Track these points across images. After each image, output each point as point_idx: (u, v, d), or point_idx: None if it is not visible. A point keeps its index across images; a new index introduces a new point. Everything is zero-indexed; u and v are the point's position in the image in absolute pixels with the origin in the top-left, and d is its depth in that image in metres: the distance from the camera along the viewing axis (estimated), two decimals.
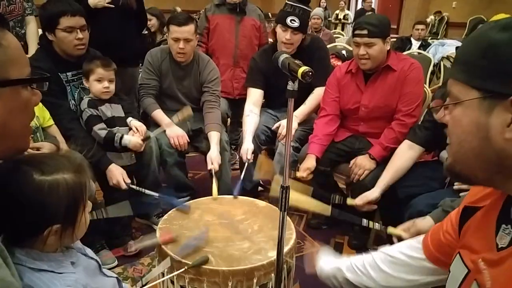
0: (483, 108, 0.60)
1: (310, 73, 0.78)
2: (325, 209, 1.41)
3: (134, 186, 1.85)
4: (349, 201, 1.76)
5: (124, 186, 1.80)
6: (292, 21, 2.08)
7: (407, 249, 0.93)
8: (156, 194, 1.72)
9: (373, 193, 1.72)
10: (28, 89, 0.67)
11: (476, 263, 0.67)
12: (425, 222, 1.32)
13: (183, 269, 1.09)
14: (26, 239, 0.74)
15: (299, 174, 1.90)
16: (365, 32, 1.83)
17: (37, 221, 0.72)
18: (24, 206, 0.70)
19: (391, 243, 1.57)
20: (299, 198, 1.33)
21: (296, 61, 0.82)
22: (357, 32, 1.87)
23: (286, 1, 2.15)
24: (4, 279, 0.56)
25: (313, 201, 1.41)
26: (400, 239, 1.33)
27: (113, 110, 1.90)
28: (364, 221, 1.45)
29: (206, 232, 1.23)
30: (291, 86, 0.81)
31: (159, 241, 1.20)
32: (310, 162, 1.93)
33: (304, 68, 0.79)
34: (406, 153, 1.77)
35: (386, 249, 0.99)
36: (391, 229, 1.38)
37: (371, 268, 0.96)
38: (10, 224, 0.71)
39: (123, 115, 1.95)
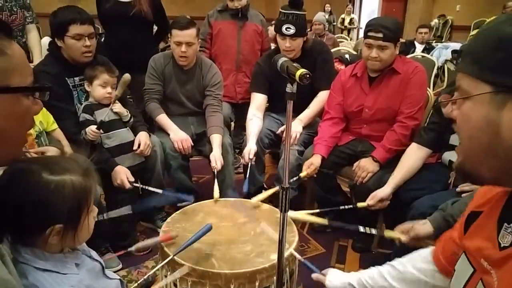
0: (495, 103, 0.58)
1: (308, 76, 0.79)
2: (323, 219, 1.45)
3: (137, 184, 1.86)
4: (360, 204, 1.75)
5: (128, 185, 1.81)
6: (288, 29, 2.10)
7: (418, 261, 0.92)
8: (159, 191, 1.80)
9: (384, 191, 1.72)
10: (30, 98, 0.69)
11: (480, 262, 0.66)
12: (424, 227, 1.31)
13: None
14: (30, 237, 0.75)
15: (303, 174, 1.90)
16: (380, 35, 1.82)
17: (40, 219, 0.74)
18: (30, 203, 0.73)
19: (394, 245, 1.56)
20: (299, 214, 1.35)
21: (294, 64, 0.84)
22: (371, 34, 1.85)
23: (280, 10, 2.17)
24: (1, 277, 0.56)
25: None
26: (399, 241, 1.33)
27: (112, 114, 1.90)
28: (361, 228, 1.44)
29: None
30: (290, 88, 0.83)
31: (158, 240, 1.23)
32: (314, 159, 1.94)
33: (302, 71, 0.80)
34: (416, 153, 1.76)
35: (397, 263, 0.97)
36: (389, 233, 1.38)
37: (382, 283, 0.95)
38: (15, 221, 0.73)
39: (126, 119, 1.96)
